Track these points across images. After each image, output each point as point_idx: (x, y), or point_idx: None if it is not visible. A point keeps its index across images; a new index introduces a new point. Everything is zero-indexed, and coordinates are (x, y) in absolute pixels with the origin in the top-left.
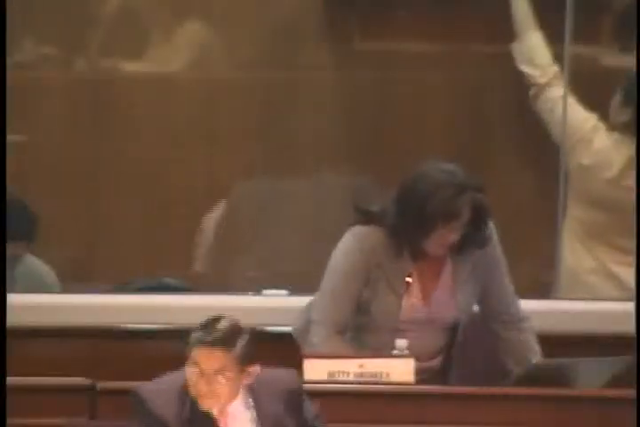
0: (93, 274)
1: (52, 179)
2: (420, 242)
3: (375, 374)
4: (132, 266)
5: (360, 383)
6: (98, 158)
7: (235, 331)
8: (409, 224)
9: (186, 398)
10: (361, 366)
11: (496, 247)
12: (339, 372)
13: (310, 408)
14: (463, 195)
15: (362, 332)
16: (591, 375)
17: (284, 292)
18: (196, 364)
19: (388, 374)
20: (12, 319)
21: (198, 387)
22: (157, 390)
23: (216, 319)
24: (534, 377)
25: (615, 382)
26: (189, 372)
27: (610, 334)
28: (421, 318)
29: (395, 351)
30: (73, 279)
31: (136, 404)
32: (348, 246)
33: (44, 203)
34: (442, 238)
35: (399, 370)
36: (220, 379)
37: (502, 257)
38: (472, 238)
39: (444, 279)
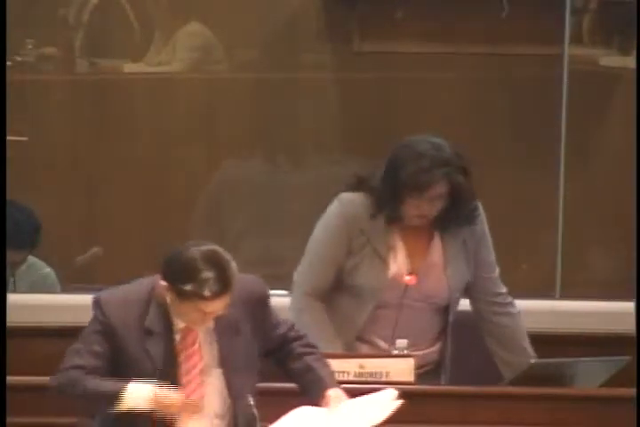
0: (93, 274)
1: (52, 179)
2: (396, 209)
3: (375, 374)
4: (132, 266)
5: (360, 383)
6: (98, 158)
7: (228, 274)
8: (386, 189)
9: (148, 308)
10: (361, 365)
11: (484, 225)
12: (339, 371)
13: (276, 319)
14: (438, 169)
15: (352, 302)
16: (590, 375)
17: (283, 292)
18: (199, 310)
19: (387, 374)
20: (13, 319)
21: (198, 323)
22: (117, 298)
23: (201, 269)
24: (533, 377)
25: (614, 381)
26: (189, 316)
27: (610, 334)
28: (412, 293)
29: (395, 351)
30: (73, 279)
31: (94, 309)
32: (331, 212)
33: (43, 202)
34: (415, 209)
35: (399, 370)
36: (219, 312)
37: (489, 237)
38: (455, 216)
39: (434, 254)
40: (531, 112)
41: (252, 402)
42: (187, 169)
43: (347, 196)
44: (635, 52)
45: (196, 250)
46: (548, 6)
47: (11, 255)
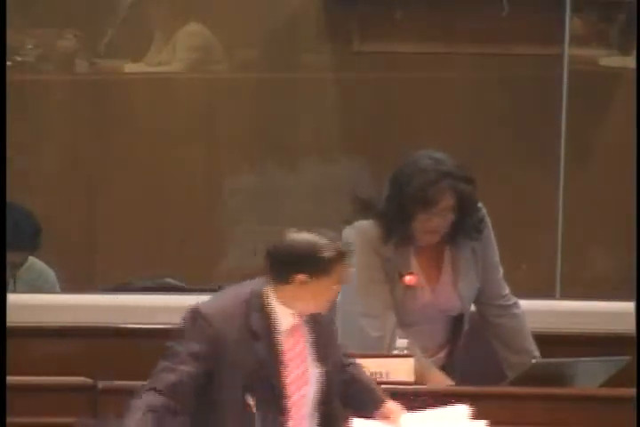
0: (94, 274)
1: (52, 179)
2: (407, 228)
3: (375, 374)
4: (132, 266)
5: None
6: (98, 158)
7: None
8: (393, 209)
9: (249, 313)
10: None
11: (489, 228)
12: None
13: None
14: (442, 182)
15: None
16: (590, 375)
17: None
18: (338, 280)
19: (388, 374)
20: (13, 319)
21: (329, 300)
22: (218, 306)
23: (327, 242)
24: (534, 377)
25: (614, 381)
26: (330, 289)
27: (610, 334)
28: (429, 309)
29: (395, 351)
30: (73, 279)
31: (194, 321)
32: (355, 240)
33: (43, 203)
34: (424, 225)
35: (399, 369)
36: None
37: (493, 238)
38: (463, 228)
39: (446, 271)
40: (531, 112)
41: (251, 402)
42: (186, 169)
43: (361, 224)
44: (635, 52)
45: (301, 235)
46: (548, 6)
47: (11, 257)
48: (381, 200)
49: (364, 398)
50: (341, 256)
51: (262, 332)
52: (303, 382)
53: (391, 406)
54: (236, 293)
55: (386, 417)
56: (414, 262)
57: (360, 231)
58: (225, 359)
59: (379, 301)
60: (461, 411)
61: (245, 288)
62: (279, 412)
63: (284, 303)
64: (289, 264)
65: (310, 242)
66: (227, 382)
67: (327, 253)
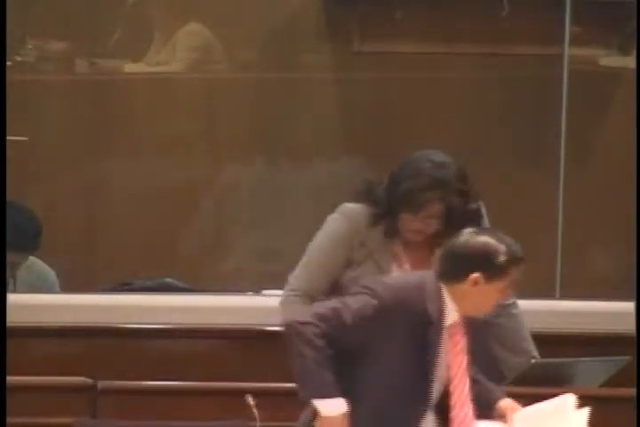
0: (94, 274)
1: (52, 179)
2: (392, 223)
3: None
4: (132, 266)
5: None
6: (98, 158)
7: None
8: (385, 202)
9: (426, 298)
10: None
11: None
12: None
13: None
14: (433, 190)
15: None
16: (590, 375)
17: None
18: (509, 285)
19: None
20: (13, 319)
21: (489, 305)
22: (397, 285)
23: (500, 244)
24: (534, 377)
25: (614, 381)
26: (499, 292)
27: (610, 334)
28: None
29: None
30: (73, 279)
31: (371, 294)
32: (333, 222)
33: (43, 203)
34: (409, 224)
35: None
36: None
37: None
38: (451, 234)
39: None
40: (531, 112)
41: (251, 402)
42: (187, 169)
43: (349, 206)
44: (635, 52)
45: (480, 236)
46: (548, 6)
47: (11, 257)
48: (380, 189)
49: (483, 399)
50: (517, 261)
51: (436, 319)
52: (464, 380)
53: (506, 403)
54: (414, 277)
55: (502, 415)
56: (401, 253)
57: (346, 214)
58: (392, 336)
59: (303, 280)
60: (569, 401)
61: (418, 276)
62: (421, 401)
63: (453, 301)
64: (466, 263)
65: (489, 244)
66: (384, 359)
67: (504, 257)
